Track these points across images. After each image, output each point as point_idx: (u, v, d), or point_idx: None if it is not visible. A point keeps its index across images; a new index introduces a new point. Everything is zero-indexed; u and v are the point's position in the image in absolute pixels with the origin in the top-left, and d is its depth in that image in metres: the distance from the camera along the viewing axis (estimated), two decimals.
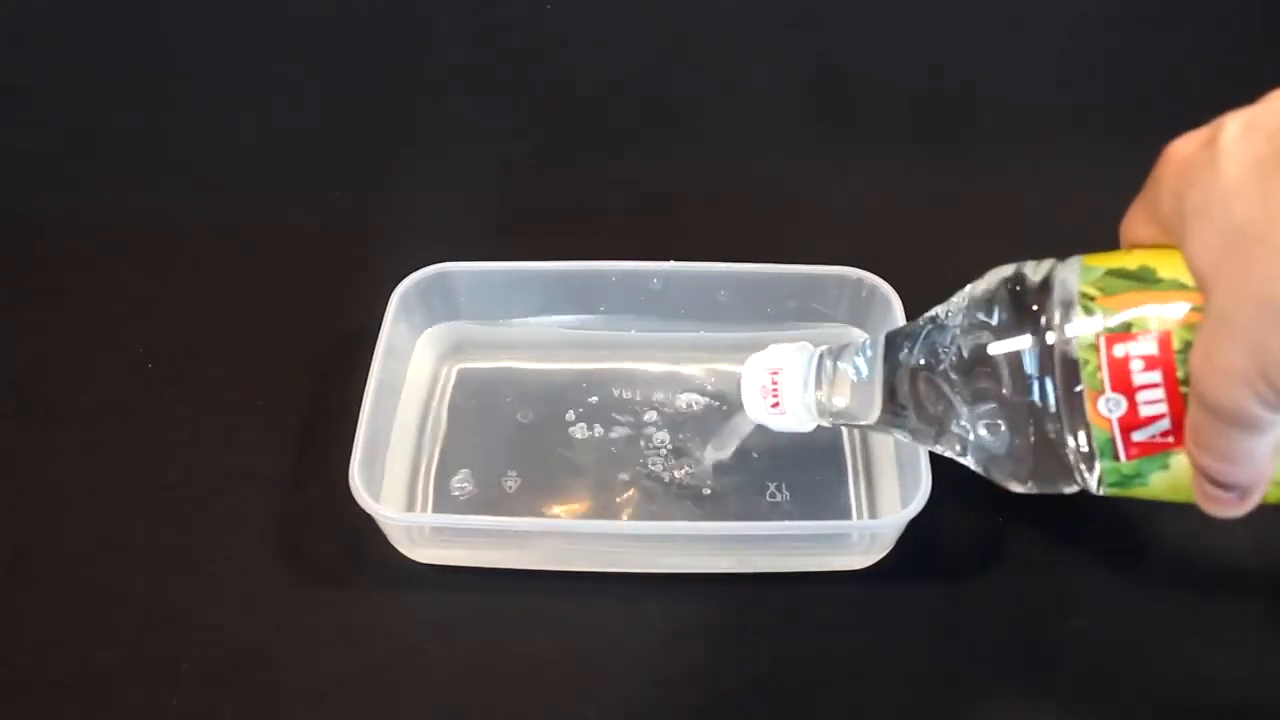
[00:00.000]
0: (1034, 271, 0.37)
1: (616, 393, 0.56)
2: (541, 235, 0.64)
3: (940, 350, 0.39)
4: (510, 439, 0.55)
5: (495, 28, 0.72)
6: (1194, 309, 0.32)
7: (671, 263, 0.57)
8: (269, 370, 0.58)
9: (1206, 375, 0.30)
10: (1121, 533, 0.52)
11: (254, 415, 0.57)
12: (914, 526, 0.47)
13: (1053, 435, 0.35)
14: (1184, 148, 0.34)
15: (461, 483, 0.53)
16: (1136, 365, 0.33)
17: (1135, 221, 0.37)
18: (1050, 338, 0.35)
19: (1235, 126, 0.32)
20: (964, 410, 0.38)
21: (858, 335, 0.57)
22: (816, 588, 0.50)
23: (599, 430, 0.55)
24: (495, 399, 0.57)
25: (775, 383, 0.44)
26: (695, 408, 0.56)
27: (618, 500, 0.53)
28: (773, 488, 0.52)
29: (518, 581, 0.51)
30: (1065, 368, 0.34)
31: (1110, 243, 0.62)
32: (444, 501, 0.53)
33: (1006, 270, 0.39)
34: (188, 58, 0.72)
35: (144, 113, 0.71)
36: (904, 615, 0.50)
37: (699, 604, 0.50)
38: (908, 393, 0.41)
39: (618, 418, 0.55)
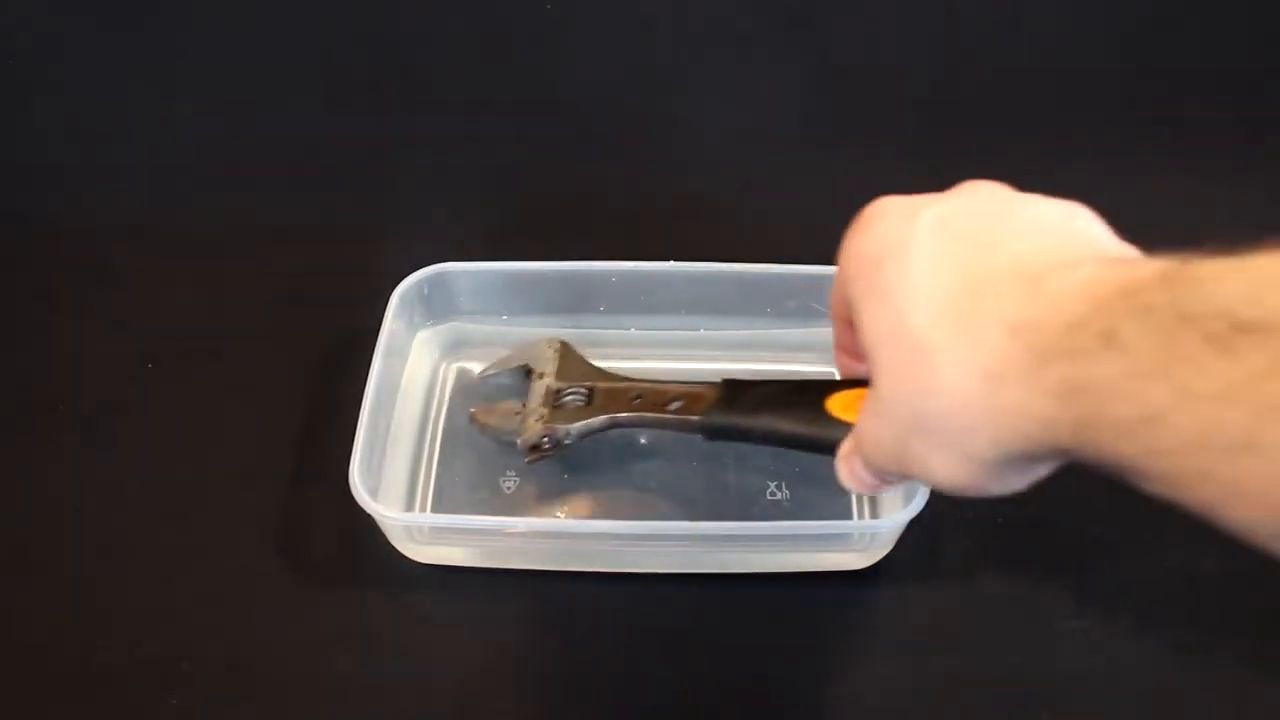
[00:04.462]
0: None
1: None
2: (541, 235, 0.64)
3: None
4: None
5: (495, 28, 0.72)
6: None
7: (671, 263, 0.57)
8: (269, 370, 0.58)
9: (861, 437, 0.35)
10: (1122, 533, 0.52)
11: (254, 415, 0.57)
12: (914, 526, 0.47)
13: None
14: (869, 241, 0.34)
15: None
16: None
17: (835, 298, 0.39)
18: None
19: (930, 220, 0.32)
20: None
21: None
22: (817, 587, 0.50)
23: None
24: (494, 398, 0.56)
25: None
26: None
27: (617, 500, 0.53)
28: (773, 487, 0.52)
29: (518, 581, 0.51)
30: None
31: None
32: (444, 501, 0.53)
33: None
34: (188, 58, 0.72)
35: (144, 113, 0.71)
36: (904, 615, 0.50)
37: (699, 604, 0.50)
38: None
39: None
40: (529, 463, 0.52)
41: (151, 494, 0.54)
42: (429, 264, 0.57)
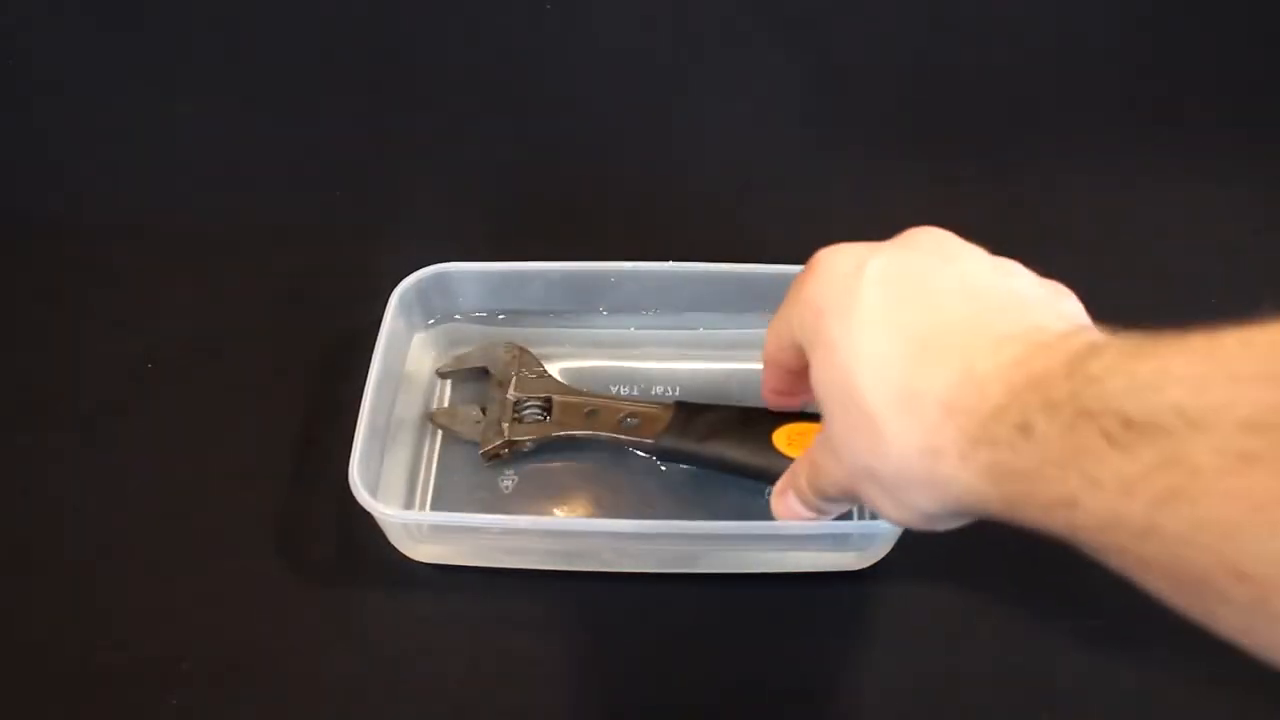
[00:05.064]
0: None
1: (615, 391, 0.56)
2: (541, 235, 0.64)
3: None
4: None
5: (495, 28, 0.72)
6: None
7: (671, 263, 0.57)
8: (269, 370, 0.58)
9: (815, 467, 0.38)
10: None
11: (254, 415, 0.57)
12: None
13: None
14: (815, 291, 0.35)
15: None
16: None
17: (773, 337, 0.41)
18: None
19: (875, 273, 0.34)
20: None
21: None
22: (815, 588, 0.50)
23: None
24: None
25: None
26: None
27: (617, 500, 0.53)
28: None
29: (518, 581, 0.51)
30: None
31: (1106, 238, 0.62)
32: (444, 500, 0.53)
33: None
34: (188, 58, 0.72)
35: (144, 113, 0.71)
36: (902, 616, 0.50)
37: (699, 604, 0.50)
38: None
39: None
40: (487, 464, 0.54)
41: (151, 494, 0.54)
42: (429, 264, 0.57)
